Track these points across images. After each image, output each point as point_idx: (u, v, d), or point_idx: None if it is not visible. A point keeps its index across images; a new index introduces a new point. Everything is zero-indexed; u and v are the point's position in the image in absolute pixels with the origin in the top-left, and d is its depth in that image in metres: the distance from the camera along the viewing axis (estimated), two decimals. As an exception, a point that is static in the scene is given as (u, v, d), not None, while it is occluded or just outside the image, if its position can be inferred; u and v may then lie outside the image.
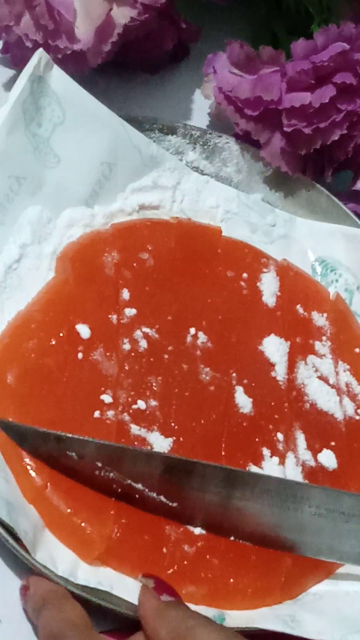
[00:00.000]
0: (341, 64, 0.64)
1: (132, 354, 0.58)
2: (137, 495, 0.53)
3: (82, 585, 0.51)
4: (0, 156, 0.59)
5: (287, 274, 0.65)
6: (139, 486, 0.53)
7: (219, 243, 0.65)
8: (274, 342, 0.62)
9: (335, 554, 0.55)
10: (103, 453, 0.52)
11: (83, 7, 0.64)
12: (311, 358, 0.62)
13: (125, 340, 0.58)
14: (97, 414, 0.55)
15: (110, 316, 0.59)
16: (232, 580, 0.53)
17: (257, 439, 0.58)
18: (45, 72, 0.61)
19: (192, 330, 0.60)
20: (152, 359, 0.58)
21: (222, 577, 0.53)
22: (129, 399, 0.56)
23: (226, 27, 0.76)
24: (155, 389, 0.57)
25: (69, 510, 0.52)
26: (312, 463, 0.58)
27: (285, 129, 0.65)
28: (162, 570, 0.52)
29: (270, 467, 0.57)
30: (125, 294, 0.60)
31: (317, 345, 0.63)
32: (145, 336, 0.59)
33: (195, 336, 0.60)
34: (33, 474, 0.53)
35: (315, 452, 0.59)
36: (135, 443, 0.55)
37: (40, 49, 0.61)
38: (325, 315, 0.64)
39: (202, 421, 0.57)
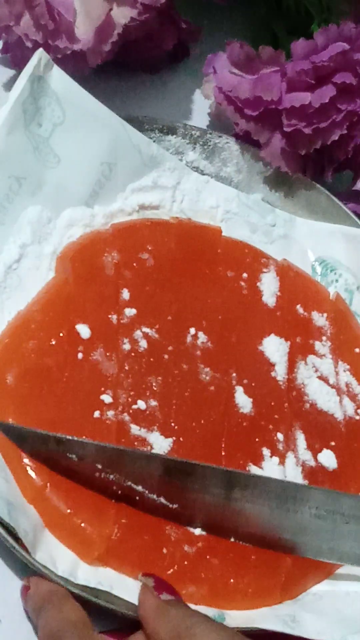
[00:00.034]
0: (341, 64, 0.64)
1: (132, 354, 0.58)
2: (137, 497, 0.53)
3: (82, 585, 0.51)
4: (0, 156, 0.59)
5: (287, 274, 0.65)
6: (139, 488, 0.53)
7: (219, 243, 0.65)
8: (274, 342, 0.62)
9: (335, 555, 0.55)
10: (103, 455, 0.52)
11: (83, 7, 0.64)
12: (311, 358, 0.62)
13: (125, 340, 0.58)
14: (97, 414, 0.55)
15: (110, 316, 0.59)
16: (232, 580, 0.53)
17: (257, 439, 0.58)
18: (45, 72, 0.61)
19: (192, 330, 0.60)
20: (152, 359, 0.58)
21: (222, 577, 0.53)
22: (129, 399, 0.56)
23: (226, 27, 0.76)
24: (155, 389, 0.57)
25: (68, 511, 0.52)
26: (312, 463, 0.58)
27: (285, 129, 0.65)
28: (162, 571, 0.52)
29: (270, 467, 0.57)
30: (125, 294, 0.60)
31: (317, 345, 0.63)
32: (145, 336, 0.59)
33: (195, 336, 0.60)
34: (33, 474, 0.53)
35: (315, 452, 0.59)
36: (135, 443, 0.55)
37: (40, 49, 0.61)
38: (325, 315, 0.65)
39: (202, 421, 0.57)
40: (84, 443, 0.52)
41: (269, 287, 0.64)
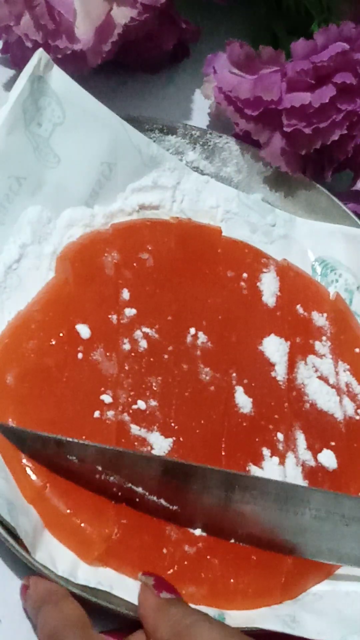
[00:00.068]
0: (341, 64, 0.64)
1: (132, 354, 0.58)
2: (137, 499, 0.53)
3: (82, 585, 0.51)
4: (0, 156, 0.59)
5: (287, 274, 0.65)
6: (140, 489, 0.53)
7: (219, 243, 0.65)
8: (274, 342, 0.62)
9: (335, 557, 0.55)
10: (103, 457, 0.52)
11: (83, 7, 0.64)
12: (311, 358, 0.62)
13: (125, 340, 0.58)
14: (97, 414, 0.55)
15: (110, 316, 0.59)
16: (232, 580, 0.53)
17: (257, 439, 0.58)
18: (45, 72, 0.61)
19: (192, 330, 0.60)
20: (152, 359, 0.58)
21: (223, 578, 0.53)
22: (129, 399, 0.56)
23: (226, 27, 0.76)
24: (155, 389, 0.57)
25: (68, 511, 0.52)
26: (312, 463, 0.58)
27: (285, 129, 0.65)
28: (163, 571, 0.52)
29: (270, 467, 0.57)
30: (125, 294, 0.60)
31: (317, 345, 0.63)
32: (145, 336, 0.59)
33: (195, 336, 0.60)
34: (32, 474, 0.53)
35: (315, 452, 0.59)
36: (135, 443, 0.55)
37: (40, 49, 0.61)
38: (325, 315, 0.65)
39: (202, 421, 0.57)
40: (84, 445, 0.52)
41: (269, 287, 0.64)
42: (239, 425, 0.58)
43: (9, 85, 0.70)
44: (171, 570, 0.52)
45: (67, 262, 0.60)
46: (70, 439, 0.52)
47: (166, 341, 0.59)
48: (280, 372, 0.61)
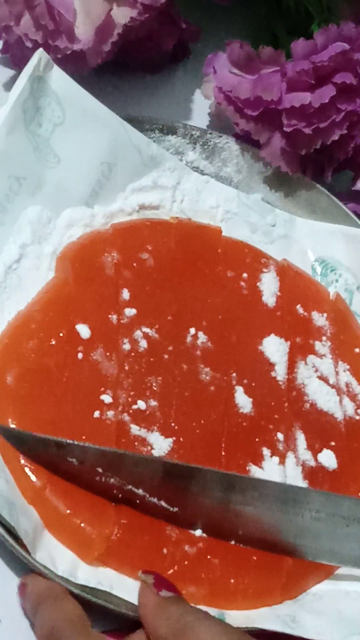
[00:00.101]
0: (341, 64, 0.64)
1: (132, 354, 0.58)
2: (137, 500, 0.53)
3: (82, 585, 0.51)
4: (0, 156, 0.59)
5: (287, 274, 0.65)
6: (140, 491, 0.53)
7: (219, 243, 0.65)
8: (274, 342, 0.62)
9: (336, 558, 0.55)
10: (103, 459, 0.52)
11: (83, 7, 0.64)
12: (311, 358, 0.62)
13: (125, 340, 0.58)
14: (97, 414, 0.55)
15: (110, 316, 0.59)
16: (232, 580, 0.53)
17: (257, 439, 0.58)
18: (45, 72, 0.61)
19: (192, 330, 0.60)
20: (152, 359, 0.58)
21: (223, 578, 0.53)
22: (129, 399, 0.56)
23: (226, 27, 0.76)
24: (155, 389, 0.57)
25: (68, 511, 0.52)
26: (312, 463, 0.58)
27: (285, 129, 0.65)
28: (163, 571, 0.52)
29: (270, 467, 0.57)
30: (125, 294, 0.60)
31: (317, 345, 0.63)
32: (145, 336, 0.59)
33: (195, 336, 0.60)
34: (32, 475, 0.53)
35: (315, 452, 0.59)
36: (135, 443, 0.55)
37: (40, 49, 0.61)
38: (325, 315, 0.65)
39: (202, 421, 0.57)
40: (84, 447, 0.52)
41: (269, 287, 0.64)
42: (239, 425, 0.58)
43: (9, 85, 0.70)
44: (171, 570, 0.52)
45: (67, 262, 0.60)
46: (71, 441, 0.52)
47: (166, 341, 0.59)
48: (280, 372, 0.61)
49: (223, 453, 0.56)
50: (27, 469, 0.53)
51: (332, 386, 0.62)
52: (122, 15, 0.65)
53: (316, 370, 0.62)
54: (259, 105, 0.65)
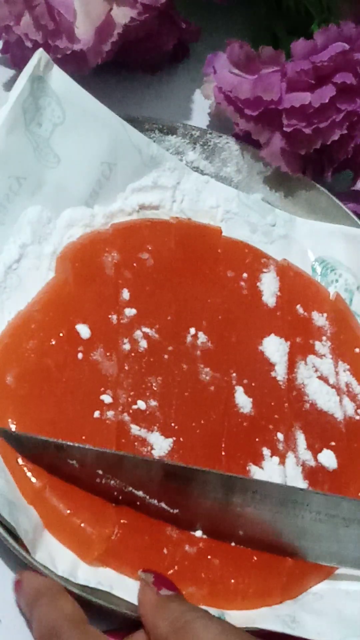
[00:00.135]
0: (341, 64, 0.64)
1: (132, 354, 0.58)
2: (138, 502, 0.53)
3: (82, 585, 0.51)
4: (0, 156, 0.59)
5: (287, 274, 0.65)
6: (140, 493, 0.53)
7: (219, 243, 0.65)
8: (274, 342, 0.62)
9: (336, 559, 0.55)
10: (103, 461, 0.52)
11: (83, 7, 0.64)
12: (311, 358, 0.62)
13: (125, 340, 0.58)
14: (97, 414, 0.55)
15: (110, 316, 0.59)
16: (233, 580, 0.53)
17: (257, 439, 0.58)
18: (45, 72, 0.61)
19: (192, 330, 0.60)
20: (152, 359, 0.58)
21: (223, 578, 0.53)
22: (129, 399, 0.56)
23: (226, 27, 0.76)
24: (155, 389, 0.57)
25: (68, 511, 0.52)
26: (312, 463, 0.58)
27: (285, 129, 0.65)
28: (163, 571, 0.52)
29: (270, 467, 0.57)
30: (125, 294, 0.60)
31: (317, 345, 0.63)
32: (145, 336, 0.59)
33: (195, 336, 0.60)
34: (32, 476, 0.53)
35: (315, 452, 0.59)
36: (136, 443, 0.55)
37: (40, 49, 0.61)
38: (325, 315, 0.65)
39: (202, 421, 0.57)
40: (84, 449, 0.52)
41: (269, 287, 0.64)
42: (239, 425, 0.58)
43: (9, 85, 0.70)
44: (171, 571, 0.52)
45: (67, 262, 0.60)
46: (71, 443, 0.52)
47: (166, 341, 0.59)
48: (280, 372, 0.61)
49: (223, 453, 0.56)
50: (27, 470, 0.53)
51: (332, 386, 0.62)
52: (122, 15, 0.65)
53: (316, 370, 0.62)
54: (259, 105, 0.65)
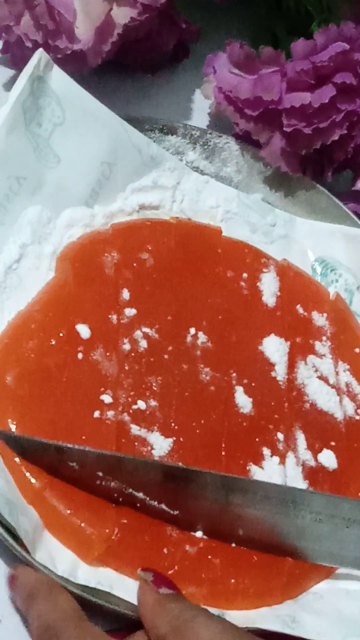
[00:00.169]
0: (341, 64, 0.64)
1: (132, 354, 0.58)
2: (138, 504, 0.53)
3: (82, 585, 0.51)
4: (0, 156, 0.59)
5: (287, 274, 0.65)
6: (140, 495, 0.52)
7: (219, 243, 0.65)
8: (274, 342, 0.62)
9: (336, 559, 0.55)
10: (103, 462, 0.52)
11: (83, 7, 0.64)
12: (311, 358, 0.62)
13: (125, 340, 0.58)
14: (97, 414, 0.55)
15: (110, 316, 0.59)
16: (233, 580, 0.53)
17: (257, 439, 0.58)
18: (45, 72, 0.61)
19: (192, 330, 0.60)
20: (152, 359, 0.58)
21: (223, 578, 0.53)
22: (129, 399, 0.56)
23: (226, 27, 0.76)
24: (155, 389, 0.57)
25: (68, 511, 0.52)
26: (312, 463, 0.58)
27: (285, 129, 0.65)
28: (163, 571, 0.52)
29: (270, 466, 0.57)
30: (125, 294, 0.60)
31: (317, 345, 0.63)
32: (145, 336, 0.59)
33: (195, 336, 0.60)
34: (32, 476, 0.53)
35: (315, 452, 0.59)
36: (136, 443, 0.55)
37: (40, 49, 0.61)
38: (325, 315, 0.65)
39: (202, 421, 0.57)
40: (84, 451, 0.52)
41: (269, 287, 0.64)
42: (239, 425, 0.58)
43: (9, 85, 0.70)
44: (172, 571, 0.52)
45: (67, 262, 0.60)
46: (70, 445, 0.52)
47: (166, 341, 0.59)
48: (280, 372, 0.61)
49: (223, 453, 0.56)
50: (26, 470, 0.53)
51: (332, 386, 0.62)
52: (122, 15, 0.65)
53: (316, 370, 0.62)
54: (259, 105, 0.65)
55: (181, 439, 0.56)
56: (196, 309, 0.61)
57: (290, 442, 0.58)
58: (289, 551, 0.54)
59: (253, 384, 0.59)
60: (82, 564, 0.52)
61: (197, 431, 0.57)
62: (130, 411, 0.56)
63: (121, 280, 0.60)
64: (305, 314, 0.64)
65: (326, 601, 0.54)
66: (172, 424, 0.56)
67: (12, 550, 0.51)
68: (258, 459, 0.57)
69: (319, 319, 0.64)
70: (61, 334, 0.57)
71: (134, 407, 0.56)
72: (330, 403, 0.61)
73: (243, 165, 0.69)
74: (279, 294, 0.64)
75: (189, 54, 0.76)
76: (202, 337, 0.60)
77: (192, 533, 0.54)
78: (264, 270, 0.65)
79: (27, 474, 0.53)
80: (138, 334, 0.59)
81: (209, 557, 0.53)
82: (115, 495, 0.53)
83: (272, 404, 0.59)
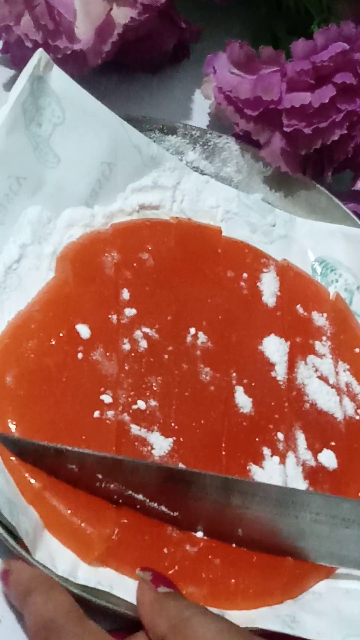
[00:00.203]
0: (341, 64, 0.64)
1: (132, 354, 0.58)
2: (138, 506, 0.53)
3: (82, 585, 0.51)
4: (0, 156, 0.59)
5: (287, 274, 0.65)
6: (140, 496, 0.52)
7: (219, 243, 0.65)
8: (274, 342, 0.62)
9: (336, 559, 0.55)
10: (103, 465, 0.52)
11: (83, 7, 0.64)
12: (311, 358, 0.62)
13: (125, 340, 0.58)
14: (97, 414, 0.55)
15: (110, 316, 0.59)
16: (233, 580, 0.53)
17: (257, 439, 0.58)
18: (45, 72, 0.61)
19: (192, 330, 0.60)
20: (152, 359, 0.58)
21: (224, 578, 0.53)
22: (129, 399, 0.56)
23: (226, 27, 0.76)
24: (155, 389, 0.57)
25: (68, 511, 0.52)
26: (313, 463, 0.58)
27: (285, 129, 0.65)
28: (163, 571, 0.52)
29: (270, 466, 0.57)
30: (125, 294, 0.60)
31: (317, 345, 0.63)
32: (145, 336, 0.59)
33: (195, 336, 0.60)
34: (31, 477, 0.53)
35: (315, 452, 0.59)
36: (136, 443, 0.55)
37: (40, 49, 0.61)
38: (325, 315, 0.65)
39: (202, 421, 0.57)
40: (84, 453, 0.52)
41: (269, 287, 0.64)
42: (239, 425, 0.58)
43: (9, 85, 0.70)
44: (172, 571, 0.52)
45: (67, 262, 0.60)
46: (69, 448, 0.52)
47: (166, 341, 0.59)
48: (280, 372, 0.61)
49: (223, 453, 0.56)
50: (26, 470, 0.53)
51: (332, 386, 0.62)
52: (122, 15, 0.65)
53: (316, 370, 0.62)
54: (259, 105, 0.65)
55: (181, 439, 0.56)
56: (196, 309, 0.61)
57: (290, 442, 0.58)
58: (289, 551, 0.54)
59: (253, 384, 0.59)
60: (82, 563, 0.52)
61: (197, 431, 0.57)
62: (130, 411, 0.56)
63: (121, 280, 0.60)
64: (305, 314, 0.64)
65: (326, 601, 0.54)
66: (172, 424, 0.56)
67: (13, 550, 0.51)
68: (258, 459, 0.57)
69: (319, 319, 0.64)
70: (61, 334, 0.57)
71: (134, 407, 0.56)
72: (330, 403, 0.61)
73: (243, 165, 0.69)
74: (279, 294, 0.64)
75: (189, 54, 0.76)
76: (202, 337, 0.60)
77: (193, 533, 0.54)
78: (264, 270, 0.65)
79: (27, 475, 0.52)
80: (138, 334, 0.59)
81: (209, 557, 0.53)
82: (115, 497, 0.53)
83: (272, 403, 0.59)
